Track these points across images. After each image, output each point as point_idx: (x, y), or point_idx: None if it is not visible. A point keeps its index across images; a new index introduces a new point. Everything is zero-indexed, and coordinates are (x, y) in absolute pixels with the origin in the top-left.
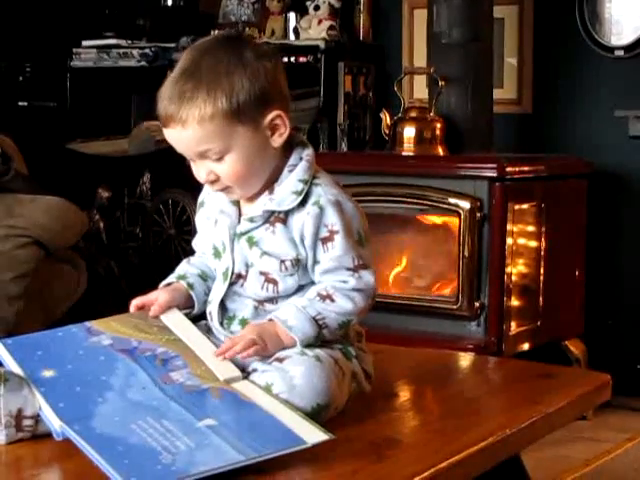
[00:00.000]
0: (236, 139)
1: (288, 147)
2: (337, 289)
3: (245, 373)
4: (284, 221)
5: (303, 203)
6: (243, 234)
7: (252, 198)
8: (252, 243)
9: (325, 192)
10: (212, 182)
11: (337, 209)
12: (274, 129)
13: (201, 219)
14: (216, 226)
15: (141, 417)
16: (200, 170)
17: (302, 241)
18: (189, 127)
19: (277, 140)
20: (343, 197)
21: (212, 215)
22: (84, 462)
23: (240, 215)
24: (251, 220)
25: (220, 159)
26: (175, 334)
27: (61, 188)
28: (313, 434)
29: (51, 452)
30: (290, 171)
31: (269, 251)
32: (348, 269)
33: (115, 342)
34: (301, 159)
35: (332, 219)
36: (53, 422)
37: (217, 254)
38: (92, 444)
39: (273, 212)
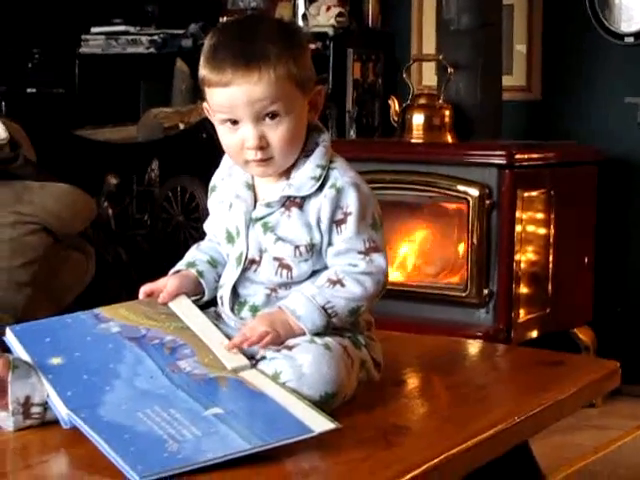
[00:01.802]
0: (295, 105)
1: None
2: (347, 273)
3: (253, 360)
4: (300, 205)
5: (320, 187)
6: (259, 219)
7: (269, 182)
8: (267, 228)
9: (342, 175)
10: (260, 148)
11: (354, 191)
12: (313, 104)
13: (214, 203)
14: (230, 210)
15: (148, 405)
16: (250, 135)
17: (318, 224)
18: (262, 84)
19: (314, 116)
20: (360, 180)
21: (226, 199)
22: (92, 449)
23: (256, 200)
24: (268, 205)
25: (278, 122)
26: (183, 322)
27: (70, 175)
28: (320, 423)
29: (59, 439)
30: (307, 156)
31: (284, 236)
32: (359, 252)
33: (123, 330)
34: (317, 144)
35: (348, 201)
36: (60, 410)
37: (230, 239)
38: (99, 432)
39: (290, 197)
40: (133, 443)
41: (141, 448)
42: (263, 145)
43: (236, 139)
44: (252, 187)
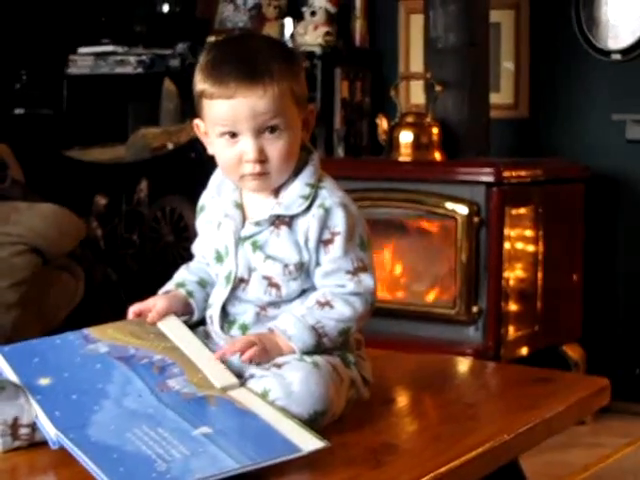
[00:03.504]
0: (293, 121)
1: None
2: (336, 294)
3: (242, 379)
4: (289, 224)
5: (309, 206)
6: (247, 238)
7: (258, 201)
8: (256, 247)
9: (330, 195)
10: (259, 161)
11: (342, 211)
12: (305, 122)
13: (202, 223)
14: (219, 230)
15: (137, 425)
16: (250, 148)
17: (306, 243)
18: (267, 96)
19: (306, 135)
20: (348, 200)
21: (214, 219)
22: (81, 470)
23: (244, 219)
24: (257, 224)
25: (278, 137)
26: (172, 341)
27: (58, 195)
28: (309, 442)
29: (48, 460)
30: (296, 175)
31: (273, 255)
32: (347, 272)
33: (112, 350)
34: (306, 163)
35: (336, 221)
36: (49, 430)
37: (219, 258)
38: (87, 452)
39: (279, 216)
40: (121, 463)
41: (130, 468)
42: (262, 159)
43: (234, 152)
44: (241, 206)
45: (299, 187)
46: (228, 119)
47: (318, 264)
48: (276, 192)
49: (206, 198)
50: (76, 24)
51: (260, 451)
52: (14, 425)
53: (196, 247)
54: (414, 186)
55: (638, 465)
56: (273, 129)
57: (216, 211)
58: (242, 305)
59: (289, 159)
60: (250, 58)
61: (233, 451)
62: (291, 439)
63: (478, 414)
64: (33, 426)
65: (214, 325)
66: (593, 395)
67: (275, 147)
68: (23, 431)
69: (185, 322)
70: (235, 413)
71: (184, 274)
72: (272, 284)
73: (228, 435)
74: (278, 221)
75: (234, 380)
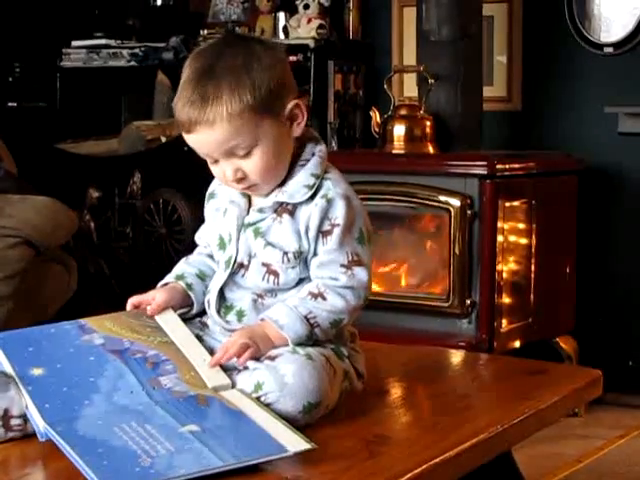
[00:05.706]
0: (263, 132)
1: (300, 142)
2: (328, 287)
3: (236, 371)
4: (292, 212)
5: (312, 196)
6: (251, 225)
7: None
8: (258, 234)
9: (334, 186)
10: (239, 180)
11: (344, 203)
12: (293, 118)
13: (210, 210)
14: (225, 216)
15: (125, 421)
16: (226, 170)
17: (306, 233)
18: (217, 127)
19: (297, 129)
20: (351, 192)
21: (222, 206)
22: (70, 463)
23: (250, 206)
24: (260, 211)
25: (247, 154)
26: (168, 336)
27: (51, 188)
28: (296, 442)
29: (39, 452)
30: (302, 166)
31: (273, 242)
32: (341, 265)
33: (107, 342)
34: (313, 154)
35: (337, 213)
36: (38, 422)
37: (222, 245)
38: (73, 445)
39: (282, 203)
40: (106, 457)
41: (114, 462)
42: (241, 177)
43: (218, 172)
44: (247, 193)
45: (304, 177)
46: (198, 149)
47: (315, 254)
48: (283, 181)
49: (216, 185)
50: (69, 17)
51: (246, 450)
52: (5, 417)
53: (200, 236)
54: (407, 179)
55: (630, 457)
56: (240, 151)
57: (224, 198)
58: (240, 291)
59: (272, 168)
60: (203, 84)
61: (218, 449)
62: (278, 439)
63: (471, 406)
64: (24, 417)
65: (211, 309)
66: (585, 386)
67: (250, 165)
68: (15, 422)
69: (183, 315)
70: (224, 412)
71: (183, 267)
72: (271, 271)
73: (215, 433)
74: (281, 209)
75: (226, 381)
